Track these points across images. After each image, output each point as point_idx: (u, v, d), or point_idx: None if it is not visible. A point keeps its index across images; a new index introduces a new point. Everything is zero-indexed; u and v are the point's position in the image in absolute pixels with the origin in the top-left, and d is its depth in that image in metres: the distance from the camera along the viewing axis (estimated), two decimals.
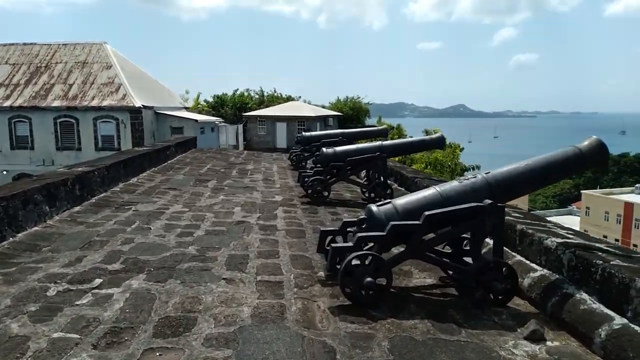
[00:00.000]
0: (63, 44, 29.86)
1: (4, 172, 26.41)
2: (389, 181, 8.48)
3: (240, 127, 36.59)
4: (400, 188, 8.92)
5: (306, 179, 8.25)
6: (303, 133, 13.08)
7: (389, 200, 4.28)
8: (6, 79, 27.51)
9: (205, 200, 7.84)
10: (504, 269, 4.00)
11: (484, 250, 4.39)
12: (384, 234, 3.91)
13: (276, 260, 4.88)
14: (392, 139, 15.35)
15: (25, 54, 29.28)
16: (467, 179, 4.29)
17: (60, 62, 28.54)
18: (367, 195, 8.55)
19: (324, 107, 43.75)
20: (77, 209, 6.72)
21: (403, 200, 4.23)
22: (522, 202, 52.14)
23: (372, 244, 4.07)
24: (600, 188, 68.33)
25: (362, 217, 4.28)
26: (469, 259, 4.29)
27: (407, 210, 4.10)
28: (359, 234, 3.99)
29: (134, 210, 6.82)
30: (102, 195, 7.63)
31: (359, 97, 44.24)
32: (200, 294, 3.95)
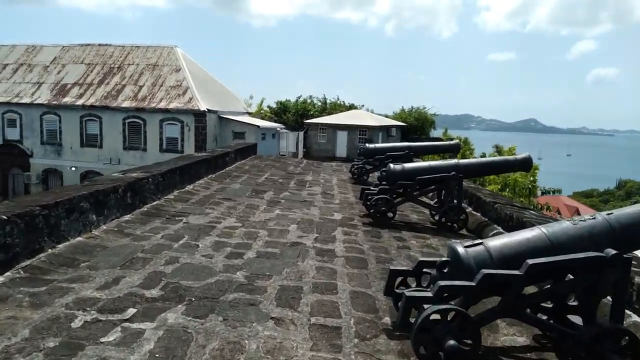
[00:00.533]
0: (136, 46, 30.97)
1: (73, 169, 27.60)
2: (462, 204, 7.59)
3: (301, 134, 36.39)
4: (475, 213, 7.99)
5: (369, 197, 7.52)
6: (366, 145, 12.37)
7: (480, 241, 3.45)
8: (80, 78, 28.84)
9: (260, 215, 7.30)
10: (625, 338, 3.15)
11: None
12: (474, 284, 3.13)
13: (334, 298, 4.19)
14: (462, 154, 14.45)
15: (100, 54, 30.62)
16: (583, 220, 3.43)
17: (133, 64, 29.57)
18: (436, 219, 7.72)
19: (387, 116, 42.75)
20: (126, 217, 6.36)
21: (499, 242, 3.40)
22: None
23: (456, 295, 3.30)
24: None
25: (443, 259, 3.49)
26: (575, 318, 3.44)
27: (503, 256, 3.29)
28: (441, 283, 3.18)
29: (184, 223, 6.38)
30: (154, 203, 7.28)
31: (424, 108, 42.92)
32: (244, 337, 3.33)
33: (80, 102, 27.34)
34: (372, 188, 7.86)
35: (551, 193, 17.80)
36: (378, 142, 36.87)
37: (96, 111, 27.03)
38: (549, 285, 3.36)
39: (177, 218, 6.62)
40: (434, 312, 3.03)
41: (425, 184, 7.59)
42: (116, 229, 5.83)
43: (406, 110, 42.93)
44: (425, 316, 3.02)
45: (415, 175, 7.46)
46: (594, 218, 3.44)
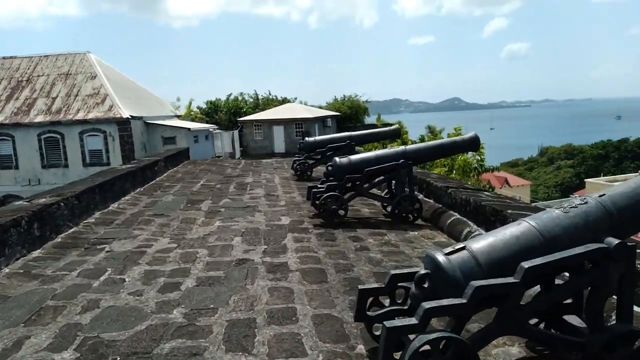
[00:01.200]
0: (45, 56, 28.40)
1: None
2: (415, 192, 7.13)
3: (236, 133, 35.18)
4: (428, 200, 7.56)
5: (318, 195, 6.87)
6: (306, 139, 11.72)
7: (461, 245, 2.84)
8: None
9: (198, 230, 6.46)
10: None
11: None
12: (465, 301, 2.53)
13: (295, 328, 3.50)
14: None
15: (5, 68, 27.82)
16: (574, 206, 2.92)
17: (42, 75, 27.09)
18: (389, 210, 7.23)
19: (321, 107, 42.35)
20: (35, 254, 5.33)
21: (484, 244, 2.82)
22: (524, 194, 50.99)
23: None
24: (603, 175, 67.18)
25: (422, 271, 2.87)
26: (573, 319, 2.94)
27: (492, 261, 2.72)
28: (426, 306, 2.51)
29: (107, 252, 5.43)
30: (70, 231, 6.24)
31: (356, 95, 42.85)
32: None
33: None
34: (319, 185, 7.22)
35: (491, 171, 17.95)
36: (315, 134, 36.42)
37: (7, 129, 24.50)
38: (541, 289, 2.84)
39: (98, 246, 5.65)
40: (424, 343, 2.43)
41: (374, 175, 7.06)
42: (21, 271, 4.81)
43: (339, 100, 42.72)
44: (413, 351, 2.42)
45: (363, 167, 6.90)
46: (586, 202, 2.94)
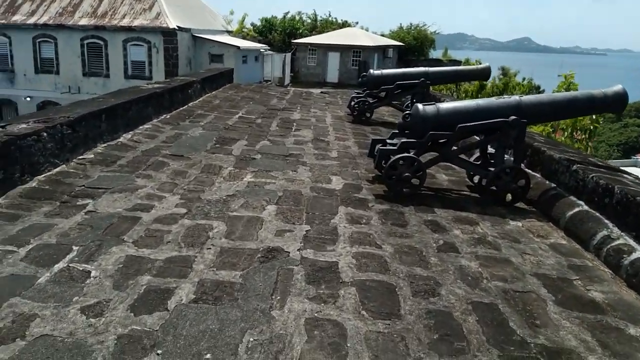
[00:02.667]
0: None
1: (28, 99, 24.35)
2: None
3: (288, 56, 32.84)
4: (534, 174, 5.55)
5: (385, 155, 5.02)
6: (370, 71, 9.59)
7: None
8: None
9: (221, 186, 4.81)
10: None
11: None
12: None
13: None
14: None
15: None
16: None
17: None
18: (476, 182, 5.43)
19: (383, 35, 38.92)
20: None
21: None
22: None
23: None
24: None
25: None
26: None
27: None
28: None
29: (86, 213, 3.87)
30: (55, 170, 4.72)
31: (424, 25, 38.99)
32: None
33: (32, 20, 23.49)
34: (388, 141, 5.34)
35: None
36: (373, 65, 33.63)
37: (50, 31, 23.30)
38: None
39: (79, 201, 4.10)
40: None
41: (468, 134, 5.12)
42: None
43: (404, 28, 39.05)
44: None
45: (457, 122, 4.88)
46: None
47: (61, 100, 23.63)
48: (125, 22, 22.42)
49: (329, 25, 39.32)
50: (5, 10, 24.45)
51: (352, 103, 9.40)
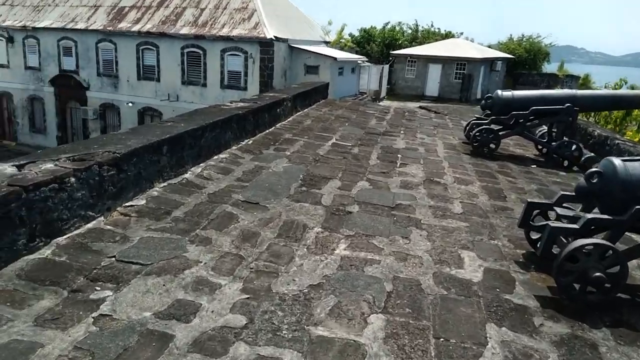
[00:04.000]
0: None
1: (130, 104, 25.01)
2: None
3: (386, 68, 31.19)
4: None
5: (553, 239, 3.23)
6: (498, 92, 7.66)
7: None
8: (139, 0, 25.45)
9: (302, 265, 3.32)
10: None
11: None
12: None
13: None
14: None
15: None
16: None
17: None
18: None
19: (490, 47, 35.91)
20: None
21: None
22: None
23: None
24: None
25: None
26: None
27: None
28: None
29: (96, 320, 2.54)
30: (87, 226, 3.50)
31: (538, 36, 35.40)
32: None
33: (136, 27, 24.12)
34: (557, 210, 3.54)
35: None
36: (479, 79, 30.95)
37: (153, 39, 23.75)
38: None
39: (96, 290, 2.79)
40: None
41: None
42: None
43: (514, 40, 35.72)
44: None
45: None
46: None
47: (161, 107, 24.00)
48: (224, 32, 22.17)
49: (431, 35, 37.12)
50: (113, 17, 25.42)
51: (473, 131, 7.55)
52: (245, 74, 21.80)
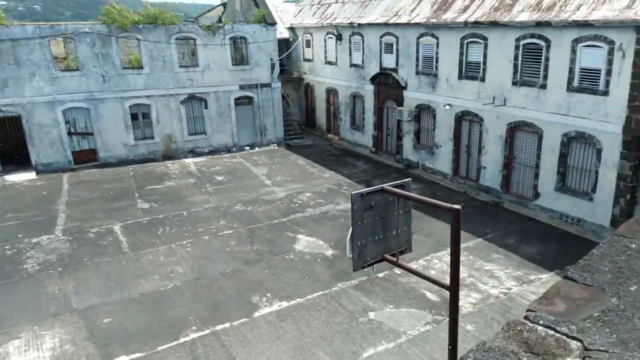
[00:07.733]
0: None
1: (447, 107, 22.06)
2: None
3: None
4: None
5: None
6: None
7: None
8: None
9: None
10: None
11: None
12: None
13: None
14: None
15: None
16: None
17: None
18: None
19: None
20: None
21: None
22: None
23: None
24: None
25: None
26: None
27: None
28: None
29: None
30: None
31: None
32: None
33: (462, 17, 20.76)
34: None
35: None
36: None
37: (481, 30, 19.98)
38: None
39: None
40: None
41: None
42: None
43: None
44: None
45: None
46: None
47: (482, 112, 20.37)
48: (579, 16, 16.55)
49: None
50: (437, 7, 22.67)
51: None
52: (608, 73, 15.84)
